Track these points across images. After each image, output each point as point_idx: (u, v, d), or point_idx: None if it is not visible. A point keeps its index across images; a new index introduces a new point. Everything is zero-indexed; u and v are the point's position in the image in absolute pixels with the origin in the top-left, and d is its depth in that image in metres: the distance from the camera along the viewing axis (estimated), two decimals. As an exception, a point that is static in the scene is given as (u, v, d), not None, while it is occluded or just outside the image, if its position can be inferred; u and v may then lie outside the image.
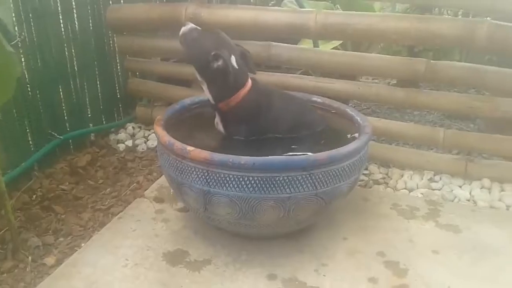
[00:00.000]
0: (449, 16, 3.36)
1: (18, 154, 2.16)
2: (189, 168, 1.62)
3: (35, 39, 2.23)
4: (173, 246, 1.79)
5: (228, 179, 1.56)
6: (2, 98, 1.47)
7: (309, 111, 2.08)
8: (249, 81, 1.91)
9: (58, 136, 2.38)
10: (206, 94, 1.92)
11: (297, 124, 1.96)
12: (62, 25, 2.41)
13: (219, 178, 1.57)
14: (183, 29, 1.90)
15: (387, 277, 1.64)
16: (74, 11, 2.49)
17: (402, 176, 2.37)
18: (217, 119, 1.96)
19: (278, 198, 1.57)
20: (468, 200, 2.19)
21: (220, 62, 1.80)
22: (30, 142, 2.26)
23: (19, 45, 2.11)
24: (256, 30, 2.45)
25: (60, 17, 2.40)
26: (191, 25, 1.90)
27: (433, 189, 2.26)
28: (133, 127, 2.86)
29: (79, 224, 1.94)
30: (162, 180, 2.25)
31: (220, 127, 1.95)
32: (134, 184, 2.26)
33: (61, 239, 1.86)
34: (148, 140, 2.74)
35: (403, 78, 2.61)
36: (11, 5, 2.06)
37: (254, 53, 2.44)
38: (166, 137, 1.70)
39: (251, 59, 1.95)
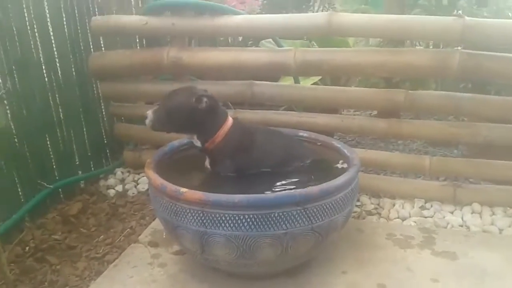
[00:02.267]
0: (421, 48, 3.49)
1: (8, 206, 2.13)
2: (184, 210, 1.61)
3: (19, 89, 2.23)
4: (172, 291, 1.76)
5: (224, 218, 1.56)
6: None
7: (296, 144, 2.10)
8: (229, 117, 1.94)
9: (47, 186, 2.35)
10: (195, 143, 1.92)
11: (284, 158, 1.98)
12: (45, 75, 2.42)
13: (215, 218, 1.57)
14: (148, 117, 1.91)
15: (389, 308, 1.64)
16: (57, 60, 2.50)
17: (393, 205, 2.40)
18: (207, 161, 1.97)
19: (275, 235, 1.57)
20: (461, 226, 2.22)
21: (205, 100, 1.84)
22: (20, 193, 2.23)
23: (4, 97, 2.12)
24: (237, 70, 2.52)
25: (43, 67, 2.41)
26: (149, 112, 1.91)
27: (426, 217, 2.29)
28: (122, 172, 2.85)
29: (74, 274, 1.90)
30: (156, 223, 2.23)
31: (208, 166, 1.96)
32: (128, 229, 2.23)
33: (58, 290, 1.82)
34: (138, 184, 2.73)
35: (384, 109, 2.68)
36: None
37: (237, 92, 2.52)
38: (158, 180, 1.70)
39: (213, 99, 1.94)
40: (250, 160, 1.93)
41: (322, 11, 4.33)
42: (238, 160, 1.91)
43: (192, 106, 1.84)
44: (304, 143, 2.16)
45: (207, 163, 1.97)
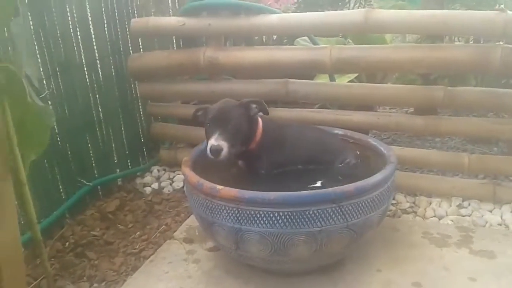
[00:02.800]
0: (462, 43, 3.40)
1: (50, 203, 2.22)
2: (219, 207, 1.64)
3: (62, 91, 2.33)
4: (206, 287, 1.79)
5: (258, 215, 1.58)
6: (39, 149, 1.52)
7: (333, 139, 2.11)
8: (259, 119, 1.95)
9: (87, 183, 2.44)
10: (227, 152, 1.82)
11: (319, 153, 1.98)
12: (87, 76, 2.51)
13: (250, 215, 1.59)
14: (224, 147, 1.75)
15: (425, 307, 1.61)
16: (98, 62, 2.59)
17: (430, 204, 2.36)
18: (241, 162, 2.00)
19: (309, 232, 1.58)
20: (500, 225, 2.16)
21: (255, 105, 1.87)
22: (61, 190, 2.32)
23: (48, 97, 2.20)
24: (272, 68, 2.52)
25: (85, 69, 2.50)
26: (218, 143, 1.76)
27: (463, 215, 2.25)
28: (158, 170, 2.92)
29: (112, 269, 1.96)
30: (190, 220, 2.27)
31: (243, 166, 1.99)
32: (163, 226, 2.28)
33: (96, 285, 1.87)
34: (173, 181, 2.79)
35: (421, 106, 2.63)
36: (39, 61, 2.18)
37: (272, 91, 2.53)
38: (195, 178, 1.74)
39: (263, 104, 1.94)
40: (284, 155, 1.95)
41: (358, 8, 4.28)
42: (274, 156, 1.93)
43: (248, 115, 1.87)
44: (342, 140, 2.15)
45: (241, 163, 1.99)
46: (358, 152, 2.08)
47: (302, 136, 2.04)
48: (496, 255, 1.90)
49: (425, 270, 1.83)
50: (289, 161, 1.95)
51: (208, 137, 1.80)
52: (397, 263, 1.88)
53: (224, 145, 1.74)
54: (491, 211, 2.26)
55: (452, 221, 2.21)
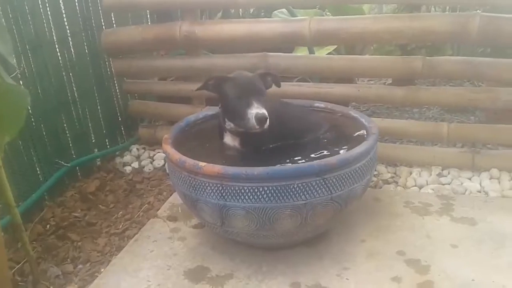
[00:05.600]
0: (439, 13, 3.40)
1: (27, 185, 2.17)
2: (203, 184, 1.62)
3: (33, 69, 2.25)
4: (193, 264, 1.79)
5: (243, 191, 1.56)
6: (13, 130, 1.47)
7: (310, 114, 2.09)
8: None
9: (65, 164, 2.39)
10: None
11: (299, 129, 1.97)
12: (59, 54, 2.43)
13: (234, 191, 1.57)
14: (259, 115, 1.69)
15: (410, 276, 1.64)
16: (69, 39, 2.50)
17: (410, 173, 2.38)
18: (231, 139, 1.92)
19: (294, 206, 1.57)
20: (479, 192, 2.20)
21: (270, 78, 1.88)
22: (38, 172, 2.27)
23: (19, 77, 2.12)
24: (251, 42, 2.49)
25: (56, 46, 2.41)
26: (263, 111, 1.70)
27: (443, 184, 2.28)
28: (137, 149, 2.87)
29: (96, 250, 1.94)
30: (173, 198, 2.25)
31: (236, 144, 1.91)
32: (146, 205, 2.26)
33: (80, 266, 1.85)
34: (154, 160, 2.75)
35: (401, 76, 2.63)
36: (9, 38, 2.08)
37: (252, 65, 2.48)
38: (177, 155, 1.70)
39: (277, 76, 1.93)
40: (280, 130, 1.90)
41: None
42: (274, 130, 1.86)
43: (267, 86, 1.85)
44: (321, 113, 2.14)
45: (236, 143, 1.91)
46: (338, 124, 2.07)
47: (290, 111, 2.01)
48: (477, 222, 1.94)
49: (408, 238, 1.86)
50: (282, 135, 1.92)
51: (239, 108, 1.73)
52: (380, 233, 1.91)
53: (266, 113, 1.69)
54: (470, 179, 2.31)
55: (433, 189, 2.24)
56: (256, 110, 1.69)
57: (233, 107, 1.77)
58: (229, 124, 1.86)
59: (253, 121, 1.69)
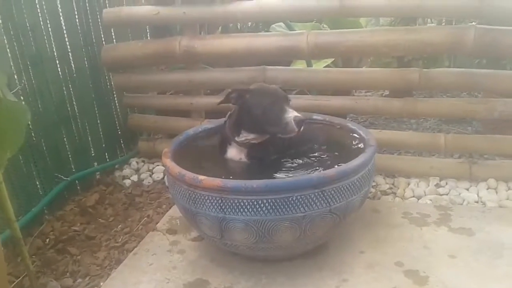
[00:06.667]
0: (435, 25, 3.44)
1: (27, 200, 2.18)
2: (203, 197, 1.63)
3: (34, 85, 2.26)
4: (192, 277, 1.79)
5: (242, 204, 1.58)
6: (14, 146, 1.48)
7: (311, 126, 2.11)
8: None
9: (65, 178, 2.39)
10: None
11: (296, 141, 1.98)
12: (59, 69, 2.45)
13: (234, 204, 1.58)
14: (298, 118, 1.75)
15: (408, 287, 1.65)
16: (70, 54, 2.53)
17: (408, 184, 2.40)
18: (236, 152, 1.95)
19: (293, 218, 1.58)
20: (477, 202, 2.21)
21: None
22: (38, 187, 2.27)
23: (20, 93, 2.14)
24: (250, 55, 2.52)
25: (57, 62, 2.43)
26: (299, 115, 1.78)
27: (441, 194, 2.29)
28: (136, 162, 2.88)
29: (95, 264, 1.94)
30: (173, 211, 2.26)
31: (242, 157, 1.95)
32: (145, 218, 2.27)
33: (80, 280, 1.85)
34: (153, 173, 2.76)
35: (398, 88, 2.66)
36: (9, 55, 2.11)
37: (250, 78, 2.51)
38: (177, 169, 1.72)
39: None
40: (281, 143, 1.95)
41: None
42: (277, 143, 1.94)
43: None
44: (319, 125, 2.16)
45: (242, 156, 1.94)
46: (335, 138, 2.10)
47: None
48: (475, 232, 1.95)
49: (406, 249, 1.86)
50: (284, 146, 1.97)
51: (274, 115, 1.78)
52: (379, 244, 1.91)
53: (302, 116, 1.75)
54: (467, 189, 2.32)
55: (431, 200, 2.25)
56: (292, 114, 1.76)
57: (265, 115, 1.81)
58: (244, 136, 1.89)
59: (292, 124, 1.74)
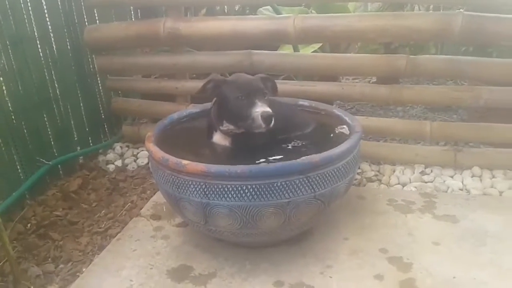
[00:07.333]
0: (423, 11, 3.42)
1: (8, 184, 2.14)
2: (186, 182, 1.61)
3: (14, 65, 2.20)
4: (176, 263, 1.78)
5: (226, 189, 1.56)
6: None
7: (296, 113, 2.09)
8: None
9: (46, 162, 2.35)
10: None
11: (285, 127, 1.95)
12: (40, 50, 2.39)
13: (218, 189, 1.56)
14: (266, 113, 1.69)
15: (392, 273, 1.65)
16: (51, 34, 2.46)
17: (394, 171, 2.40)
18: (221, 138, 1.91)
19: (278, 204, 1.57)
20: (461, 190, 2.23)
21: (269, 83, 1.88)
22: (19, 171, 2.23)
23: (-1, 73, 2.09)
24: (235, 39, 2.48)
25: (38, 42, 2.37)
26: (267, 110, 1.71)
27: (426, 182, 2.30)
28: (121, 147, 2.84)
29: (78, 249, 1.92)
30: (157, 197, 2.23)
31: (226, 143, 1.90)
32: (129, 204, 2.24)
33: (62, 266, 1.83)
34: (137, 158, 2.72)
35: (384, 75, 2.65)
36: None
37: (236, 62, 2.48)
38: (160, 153, 1.69)
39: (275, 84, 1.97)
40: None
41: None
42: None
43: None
44: (305, 112, 2.14)
45: (227, 143, 1.89)
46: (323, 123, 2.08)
47: (278, 108, 1.99)
48: (459, 220, 1.96)
49: (390, 236, 1.87)
50: (271, 132, 1.92)
51: (242, 109, 1.73)
52: (363, 231, 1.92)
53: (271, 112, 1.69)
54: (452, 177, 2.33)
55: (416, 187, 2.26)
56: (261, 108, 1.69)
57: (235, 108, 1.76)
58: (226, 126, 1.84)
59: (259, 120, 1.69)
